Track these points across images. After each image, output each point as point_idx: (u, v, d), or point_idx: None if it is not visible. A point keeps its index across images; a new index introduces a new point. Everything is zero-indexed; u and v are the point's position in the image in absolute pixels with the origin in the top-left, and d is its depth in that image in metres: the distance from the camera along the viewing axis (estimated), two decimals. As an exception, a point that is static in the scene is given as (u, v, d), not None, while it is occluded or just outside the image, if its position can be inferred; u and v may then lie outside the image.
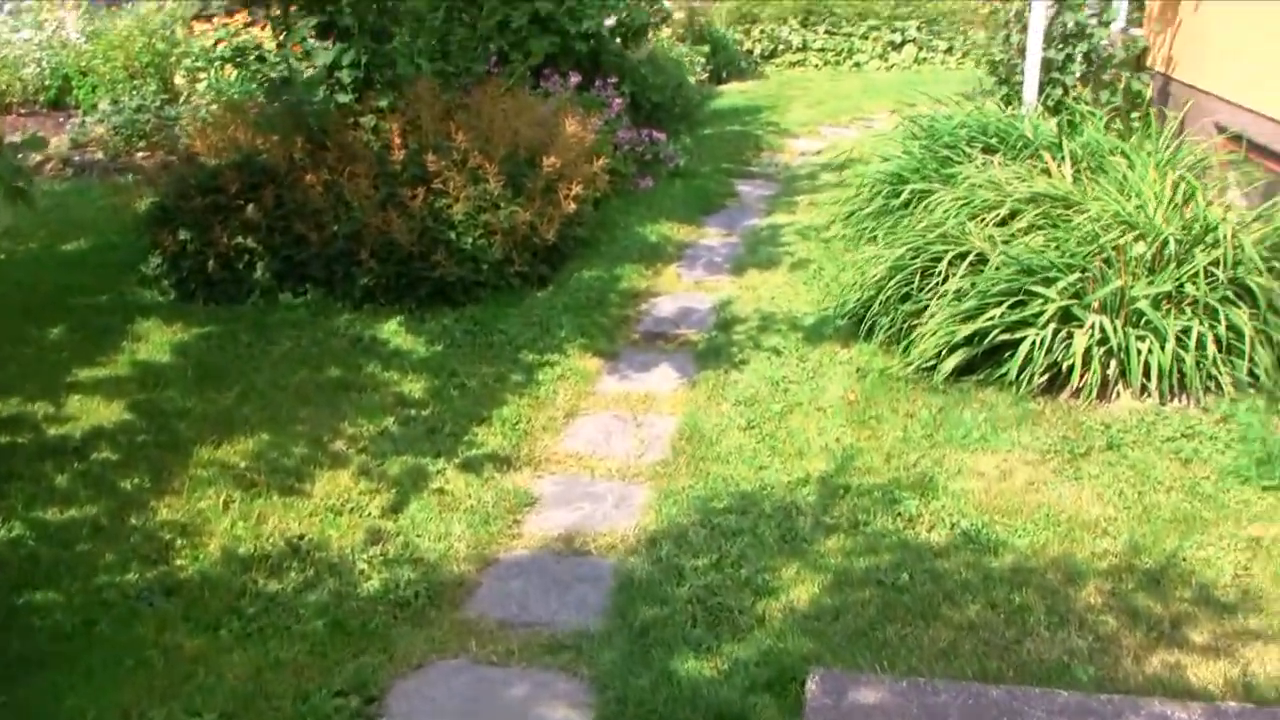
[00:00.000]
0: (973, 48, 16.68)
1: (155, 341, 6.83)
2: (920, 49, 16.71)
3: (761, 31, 16.60)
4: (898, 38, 16.68)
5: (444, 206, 7.24)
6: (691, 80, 12.20)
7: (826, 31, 16.71)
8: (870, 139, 11.47)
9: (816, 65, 16.52)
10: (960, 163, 7.77)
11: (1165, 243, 6.18)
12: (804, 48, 16.63)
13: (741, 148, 11.52)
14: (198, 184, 7.51)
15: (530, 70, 9.39)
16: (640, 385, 6.43)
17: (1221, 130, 8.22)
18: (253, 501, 5.16)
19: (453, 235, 7.20)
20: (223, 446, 5.61)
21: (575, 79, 9.58)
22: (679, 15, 13.35)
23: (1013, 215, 6.79)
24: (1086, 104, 8.65)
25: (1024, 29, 9.14)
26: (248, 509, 5.10)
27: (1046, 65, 8.81)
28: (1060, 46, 8.87)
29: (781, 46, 16.63)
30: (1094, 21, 8.91)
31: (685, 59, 13.64)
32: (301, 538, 4.90)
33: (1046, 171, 7.29)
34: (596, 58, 10.13)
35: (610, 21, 9.90)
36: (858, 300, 6.76)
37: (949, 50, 16.81)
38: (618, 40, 10.22)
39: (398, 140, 7.51)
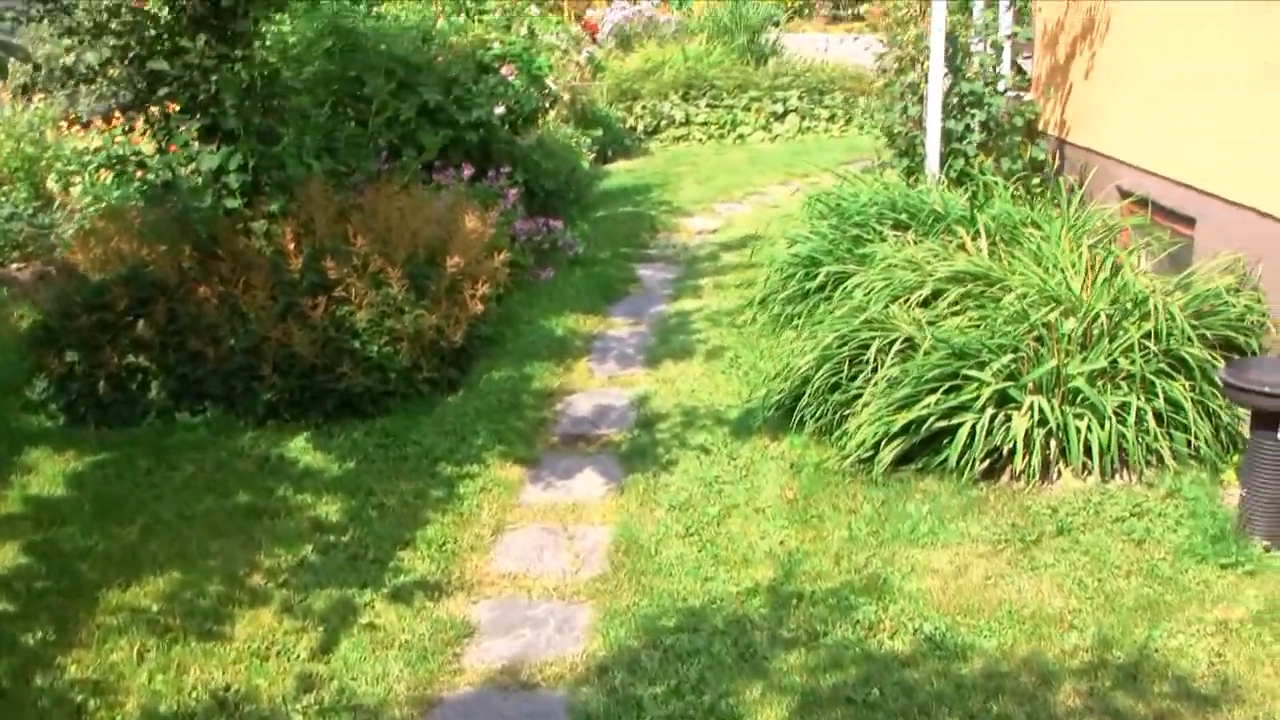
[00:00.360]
0: (855, 115, 16.75)
1: (47, 473, 6.40)
2: (803, 118, 16.70)
3: (644, 108, 16.47)
4: (779, 108, 16.65)
5: (346, 314, 6.93)
6: (584, 164, 11.99)
7: (708, 105, 16.63)
8: (768, 214, 11.38)
9: (701, 139, 16.42)
10: (872, 241, 7.65)
11: (1096, 317, 6.06)
12: (687, 122, 16.53)
13: (637, 229, 11.33)
14: (83, 301, 7.11)
15: (422, 164, 9.11)
16: (566, 493, 6.14)
17: (1125, 195, 8.20)
18: (170, 649, 4.77)
19: (357, 344, 6.88)
20: (131, 588, 5.21)
21: (468, 171, 9.33)
22: (565, 96, 13.17)
23: (936, 295, 6.66)
24: (989, 173, 8.60)
25: (920, 100, 9.08)
26: (165, 659, 4.71)
27: (946, 135, 8.73)
28: (958, 116, 8.81)
29: (664, 122, 16.51)
30: (988, 90, 8.86)
31: (572, 139, 13.47)
32: (227, 689, 4.53)
33: (962, 247, 7.18)
34: (487, 147, 9.89)
35: (500, 110, 9.67)
36: (784, 391, 6.55)
37: (831, 118, 16.83)
38: (507, 128, 9.99)
39: (292, 246, 7.19)
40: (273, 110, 7.78)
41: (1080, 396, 5.93)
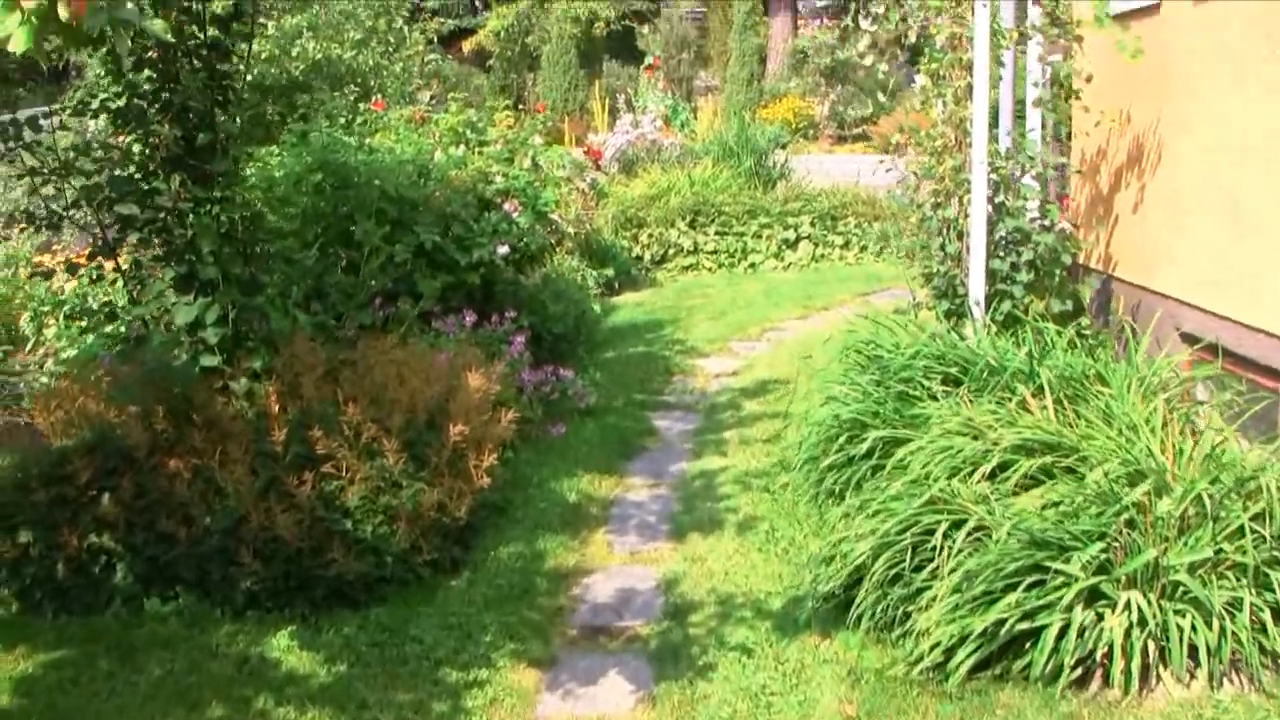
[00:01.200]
0: (870, 242, 16.09)
1: (-7, 677, 5.60)
2: (816, 246, 16.03)
3: (650, 236, 15.79)
4: (791, 235, 15.98)
5: (336, 491, 6.15)
6: (593, 304, 11.27)
7: (717, 232, 15.95)
8: (789, 353, 10.66)
9: (710, 268, 15.73)
10: (920, 399, 6.89)
11: (1196, 497, 5.28)
12: (695, 250, 15.84)
13: (650, 373, 10.57)
14: (40, 474, 6.34)
15: (420, 311, 8.38)
16: (590, 704, 5.30)
17: (1188, 339, 7.48)
18: None
19: (349, 524, 6.09)
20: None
21: (470, 318, 8.60)
22: (571, 230, 12.50)
23: (1003, 467, 5.88)
24: (1040, 315, 7.87)
25: (959, 236, 8.38)
26: None
27: (991, 275, 8.01)
28: (1002, 254, 8.10)
29: (672, 250, 15.82)
30: (1036, 225, 8.16)
31: (578, 274, 12.78)
32: None
33: (1024, 406, 6.43)
34: (490, 289, 9.19)
35: (503, 250, 8.96)
36: (834, 579, 5.74)
37: (846, 245, 16.15)
38: (512, 268, 9.28)
39: (276, 408, 6.44)
40: (255, 257, 7.07)
41: (1182, 590, 5.13)
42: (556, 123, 23.35)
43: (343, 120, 11.38)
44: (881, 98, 23.42)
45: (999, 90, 8.29)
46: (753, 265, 15.77)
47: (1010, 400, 6.55)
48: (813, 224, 16.15)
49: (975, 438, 6.12)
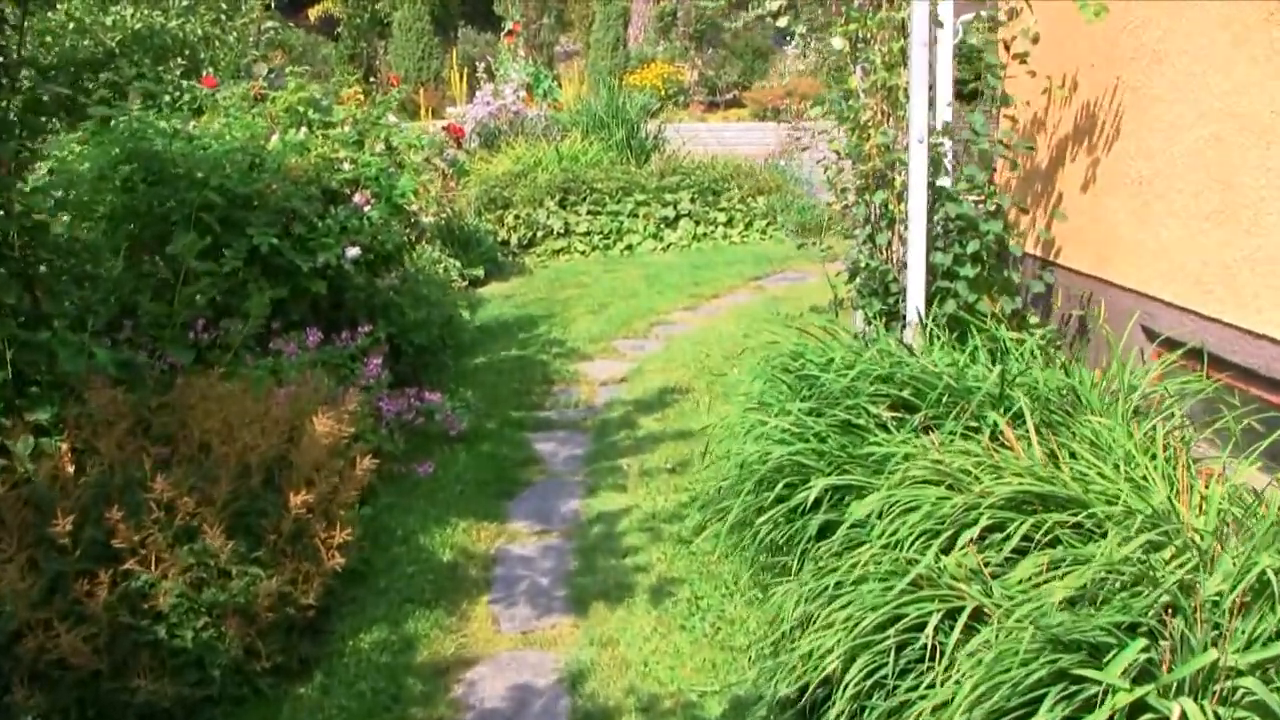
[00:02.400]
0: (755, 218, 14.92)
1: None
2: (697, 223, 14.79)
3: (516, 217, 14.41)
4: (670, 212, 14.72)
5: (144, 589, 4.76)
6: (462, 309, 9.89)
7: (589, 211, 14.63)
8: (684, 354, 9.44)
9: (583, 252, 14.41)
10: (867, 430, 5.67)
11: (1260, 573, 4.13)
12: (567, 232, 14.50)
13: (528, 383, 9.23)
14: None
15: (249, 332, 6.93)
16: None
17: (1158, 340, 6.40)
18: None
19: (162, 632, 4.71)
20: None
21: (315, 336, 7.19)
22: (431, 219, 11.10)
23: (990, 528, 4.69)
24: (984, 316, 6.74)
25: (890, 224, 7.20)
26: None
27: (930, 270, 6.84)
28: (943, 246, 6.92)
29: (541, 232, 14.46)
30: (980, 211, 6.99)
31: (440, 265, 11.41)
32: None
33: (1000, 440, 5.26)
34: (339, 297, 7.77)
35: (354, 251, 7.55)
36: (792, 686, 4.51)
37: (729, 223, 14.96)
38: (365, 271, 7.87)
39: (69, 470, 5.03)
40: (39, 279, 5.62)
41: (1244, 693, 3.99)
42: (411, 94, 21.87)
43: (166, 98, 9.88)
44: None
45: (933, 54, 7.07)
46: (630, 247, 14.50)
47: (981, 432, 5.38)
48: (692, 200, 14.94)
49: (950, 486, 4.93)
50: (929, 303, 6.84)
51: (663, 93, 22.92)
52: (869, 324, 7.38)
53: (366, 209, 7.89)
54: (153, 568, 4.75)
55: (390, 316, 8.09)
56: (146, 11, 11.53)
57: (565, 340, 10.38)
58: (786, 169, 16.52)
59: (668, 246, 14.53)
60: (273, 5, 14.04)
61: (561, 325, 10.90)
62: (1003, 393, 5.57)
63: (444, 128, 12.89)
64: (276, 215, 7.38)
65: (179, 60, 11.85)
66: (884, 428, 5.74)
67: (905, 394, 5.84)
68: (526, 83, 18.78)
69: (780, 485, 5.55)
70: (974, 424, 5.51)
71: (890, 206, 7.15)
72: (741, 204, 15.07)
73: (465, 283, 11.99)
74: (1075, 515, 4.64)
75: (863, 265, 7.31)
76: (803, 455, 5.53)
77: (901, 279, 7.02)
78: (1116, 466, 4.99)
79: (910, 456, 5.19)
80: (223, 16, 12.57)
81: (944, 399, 5.70)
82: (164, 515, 4.84)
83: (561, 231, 14.49)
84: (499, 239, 14.12)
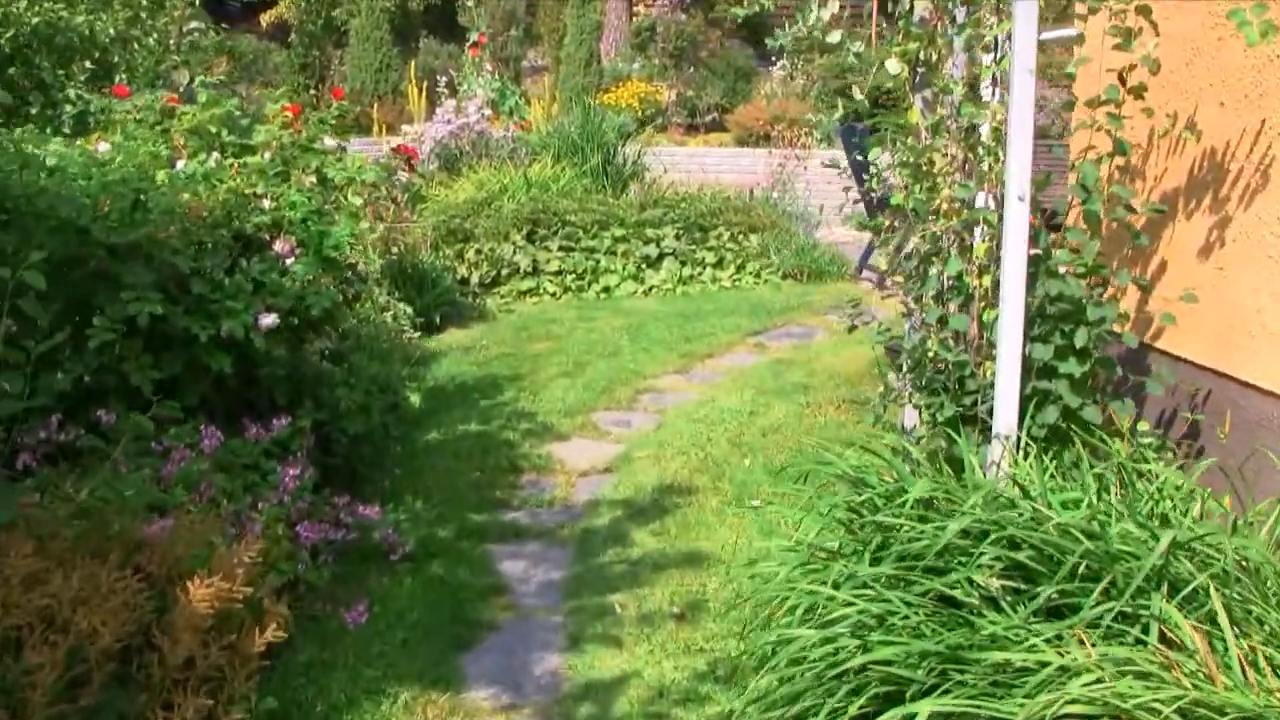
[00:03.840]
0: (747, 260, 13.26)
1: None
2: (683, 264, 13.07)
3: (478, 253, 12.62)
4: (653, 250, 12.98)
5: None
6: (412, 395, 8.15)
7: (561, 248, 12.88)
8: (681, 436, 7.79)
9: (554, 293, 12.64)
10: (974, 607, 4.02)
11: None
12: (535, 270, 12.73)
13: (491, 471, 7.48)
14: None
15: (135, 428, 5.20)
16: None
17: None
18: None
19: None
20: None
21: (210, 441, 5.44)
22: (376, 267, 9.38)
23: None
24: (1098, 427, 5.12)
25: (967, 302, 5.55)
26: None
27: (1026, 367, 5.20)
28: (1040, 335, 5.29)
29: (506, 270, 12.68)
30: (1084, 291, 5.36)
31: (389, 314, 9.70)
32: None
33: (1169, 642, 3.63)
34: (251, 373, 6.07)
35: (269, 320, 5.82)
36: None
37: (719, 264, 13.24)
38: (285, 341, 6.14)
39: None
40: None
41: None
42: (365, 108, 20.17)
43: (59, 111, 8.16)
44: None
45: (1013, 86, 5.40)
46: (607, 289, 12.77)
47: (1134, 620, 3.76)
48: (677, 236, 13.24)
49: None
50: (1022, 410, 5.18)
51: (639, 114, 21.30)
52: (926, 424, 5.76)
53: (290, 261, 6.17)
54: None
55: (320, 397, 6.37)
56: (49, 5, 9.78)
57: (535, 412, 8.65)
58: (779, 203, 14.91)
59: (650, 290, 12.81)
60: (197, 3, 12.25)
61: (530, 391, 9.17)
62: (1166, 564, 3.93)
63: (394, 149, 11.15)
64: (165, 271, 5.65)
65: (86, 64, 10.13)
66: (990, 599, 4.10)
67: (1022, 556, 4.17)
68: (492, 99, 17.13)
69: (853, 691, 3.87)
70: (1127, 608, 3.87)
71: (967, 279, 5.49)
72: (733, 242, 13.39)
73: (417, 333, 10.25)
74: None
75: (928, 354, 5.64)
76: (895, 660, 3.84)
77: (982, 374, 5.37)
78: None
79: (1067, 670, 3.54)
80: (141, 14, 10.81)
81: (1082, 567, 4.03)
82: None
83: (529, 270, 12.76)
84: (458, 276, 12.36)
